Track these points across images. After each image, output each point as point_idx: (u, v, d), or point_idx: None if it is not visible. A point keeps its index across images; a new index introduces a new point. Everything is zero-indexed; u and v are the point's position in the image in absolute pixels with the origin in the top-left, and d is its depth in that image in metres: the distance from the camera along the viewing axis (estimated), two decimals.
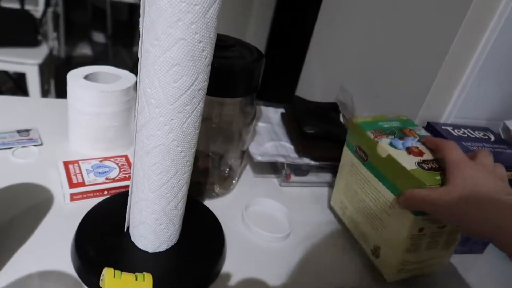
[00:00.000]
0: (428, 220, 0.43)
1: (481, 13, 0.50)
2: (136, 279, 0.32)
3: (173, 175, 0.36)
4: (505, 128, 0.54)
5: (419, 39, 0.57)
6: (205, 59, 0.31)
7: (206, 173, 0.54)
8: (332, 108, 0.66)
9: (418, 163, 0.43)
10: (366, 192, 0.49)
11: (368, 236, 0.49)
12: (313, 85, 0.86)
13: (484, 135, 0.54)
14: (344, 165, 0.53)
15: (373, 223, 0.48)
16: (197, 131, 0.36)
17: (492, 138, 0.53)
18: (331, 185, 0.60)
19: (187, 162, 0.36)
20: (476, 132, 0.54)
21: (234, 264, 0.44)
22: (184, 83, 0.31)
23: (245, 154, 0.56)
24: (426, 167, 0.43)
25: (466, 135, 0.52)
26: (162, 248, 0.41)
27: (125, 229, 0.42)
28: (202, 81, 0.32)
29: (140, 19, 0.31)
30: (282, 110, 0.68)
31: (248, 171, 0.61)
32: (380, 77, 0.65)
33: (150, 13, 0.29)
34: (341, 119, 0.65)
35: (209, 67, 0.33)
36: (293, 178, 0.59)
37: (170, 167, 0.35)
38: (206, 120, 0.50)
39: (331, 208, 0.57)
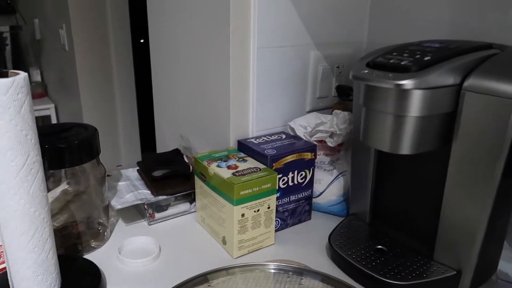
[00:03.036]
0: (245, 207, 0.61)
1: (241, 47, 0.72)
2: None
3: (35, 231, 0.48)
4: (290, 128, 0.76)
5: (214, 84, 0.77)
6: (31, 140, 0.45)
7: (79, 235, 0.65)
8: (176, 153, 0.83)
9: (233, 173, 0.62)
10: (211, 203, 0.66)
11: (218, 231, 0.66)
12: (165, 139, 1.03)
13: (279, 136, 0.74)
14: (197, 189, 0.71)
15: (219, 222, 0.65)
16: (44, 193, 0.48)
17: (284, 136, 0.74)
18: (192, 211, 0.76)
19: (43, 219, 0.48)
20: (273, 136, 0.74)
21: None
22: (20, 161, 0.44)
23: (109, 209, 0.69)
24: (237, 174, 0.61)
25: (264, 141, 0.72)
26: None
27: None
28: (34, 156, 0.45)
29: None
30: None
31: (120, 222, 0.73)
32: (202, 118, 0.84)
33: None
34: (186, 159, 0.82)
35: (37, 145, 0.46)
36: (157, 215, 0.73)
37: (30, 225, 0.47)
38: (64, 195, 0.63)
39: (196, 224, 0.72)
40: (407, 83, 0.44)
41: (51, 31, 2.41)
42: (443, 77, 0.46)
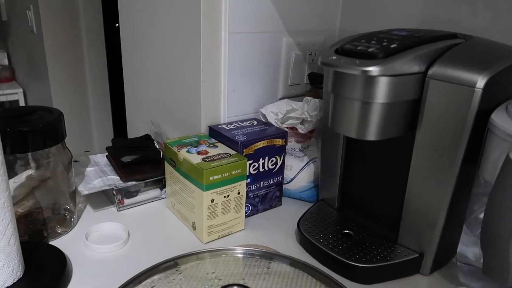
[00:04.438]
0: (215, 193, 0.61)
1: (212, 33, 0.71)
2: None
3: None
4: (262, 114, 0.76)
5: (186, 70, 0.76)
6: None
7: (45, 222, 0.64)
8: (146, 139, 0.82)
9: (202, 159, 0.61)
10: (181, 188, 0.65)
11: (188, 217, 0.66)
12: (136, 125, 1.02)
13: (250, 122, 0.74)
14: (167, 174, 0.70)
15: (188, 208, 0.65)
16: (4, 177, 0.47)
17: (255, 122, 0.74)
18: (162, 197, 0.75)
19: (4, 204, 0.47)
20: (244, 122, 0.74)
21: (81, 281, 0.54)
22: None
23: (76, 195, 0.67)
24: (207, 160, 0.61)
25: (235, 127, 0.72)
26: (9, 283, 0.50)
27: None
28: None
29: None
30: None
31: (88, 209, 0.72)
32: (173, 104, 0.83)
33: None
34: (156, 145, 0.81)
35: None
36: (127, 201, 0.72)
37: None
38: (29, 180, 0.61)
39: (166, 210, 0.72)
40: (373, 69, 0.45)
41: (18, 12, 2.32)
42: (409, 65, 0.47)
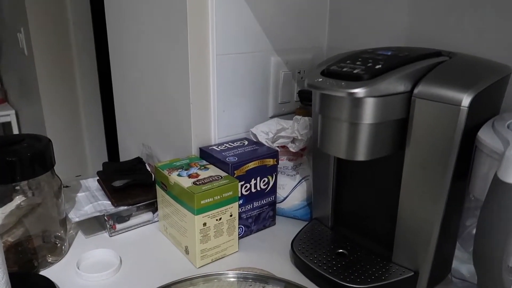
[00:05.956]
0: (207, 216, 0.60)
1: (200, 54, 0.71)
2: None
3: None
4: (252, 134, 0.76)
5: (175, 92, 0.76)
6: None
7: (35, 251, 0.63)
8: (137, 162, 0.81)
9: (193, 182, 0.61)
10: (173, 212, 0.65)
11: (180, 241, 0.65)
12: (128, 147, 1.01)
13: (241, 142, 0.74)
14: (159, 198, 0.69)
15: (181, 231, 0.64)
16: None
17: (246, 142, 0.74)
18: (155, 221, 0.74)
19: None
20: (235, 143, 0.74)
21: None
22: None
23: (67, 221, 0.67)
24: (198, 183, 0.61)
25: (226, 148, 0.72)
26: None
27: None
28: None
29: None
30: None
31: (80, 235, 0.71)
32: (164, 126, 0.83)
33: None
34: (148, 167, 0.80)
35: None
36: (119, 226, 0.71)
37: None
38: (18, 209, 0.60)
39: (159, 234, 0.71)
40: (359, 91, 0.45)
41: (9, 34, 2.32)
42: (394, 85, 0.47)
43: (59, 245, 0.65)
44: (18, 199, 0.61)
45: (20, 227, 0.63)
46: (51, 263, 0.63)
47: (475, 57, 0.56)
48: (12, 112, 2.58)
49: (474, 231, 0.48)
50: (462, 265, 0.55)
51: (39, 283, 0.57)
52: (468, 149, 0.48)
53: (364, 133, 0.49)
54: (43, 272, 0.60)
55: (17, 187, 0.59)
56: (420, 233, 0.54)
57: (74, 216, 0.66)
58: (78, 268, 0.61)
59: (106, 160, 2.19)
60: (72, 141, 2.13)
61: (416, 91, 0.48)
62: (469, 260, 0.54)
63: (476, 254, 0.45)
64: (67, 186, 0.76)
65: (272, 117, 0.82)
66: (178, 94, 0.76)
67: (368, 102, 0.47)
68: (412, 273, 0.56)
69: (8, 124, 2.59)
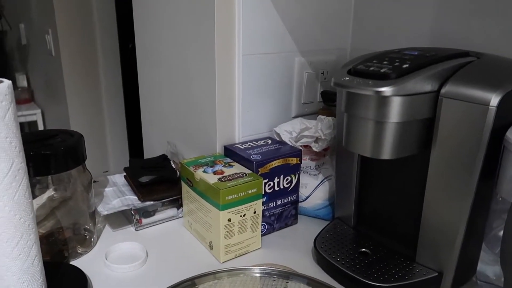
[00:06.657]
0: (231, 212, 0.61)
1: (226, 54, 0.73)
2: None
3: (20, 238, 0.48)
4: (276, 133, 0.77)
5: (201, 91, 0.78)
6: (15, 148, 0.45)
7: (66, 242, 0.65)
8: (163, 159, 0.83)
9: (219, 179, 0.62)
10: (198, 208, 0.66)
11: (205, 236, 0.66)
12: (152, 145, 1.04)
13: (265, 141, 0.75)
14: (184, 194, 0.71)
15: (205, 227, 0.65)
16: (29, 200, 0.48)
17: (270, 141, 0.75)
18: (179, 217, 0.76)
19: (29, 226, 0.48)
20: (259, 142, 0.75)
21: None
22: (4, 168, 0.44)
23: (95, 215, 0.69)
24: (223, 180, 0.62)
25: (250, 146, 0.73)
26: None
27: None
28: (18, 163, 0.46)
29: None
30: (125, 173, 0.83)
31: (107, 228, 0.73)
32: (189, 124, 0.85)
33: None
34: (173, 165, 0.82)
35: (22, 152, 0.46)
36: (144, 220, 0.73)
37: (15, 232, 0.47)
38: (50, 201, 0.63)
39: (183, 229, 0.72)
40: (386, 90, 0.45)
41: (37, 36, 2.40)
42: (421, 84, 0.48)
43: (88, 237, 0.68)
44: (51, 191, 0.63)
45: (51, 219, 0.66)
46: (81, 254, 0.65)
47: (504, 58, 0.56)
48: (38, 111, 2.66)
49: (501, 233, 0.48)
50: (488, 267, 0.55)
51: (70, 272, 0.59)
52: (496, 149, 0.47)
53: (390, 132, 0.49)
54: (73, 262, 0.63)
55: (49, 180, 0.62)
56: (445, 233, 0.54)
57: (103, 209, 0.69)
58: (106, 259, 0.63)
59: (128, 157, 2.24)
60: (96, 139, 2.18)
61: (443, 90, 0.48)
62: (494, 262, 0.54)
63: (503, 255, 0.44)
64: (95, 181, 0.79)
65: (295, 117, 0.83)
66: (204, 94, 0.77)
67: (395, 101, 0.47)
68: (436, 274, 0.56)
69: (34, 123, 2.67)
